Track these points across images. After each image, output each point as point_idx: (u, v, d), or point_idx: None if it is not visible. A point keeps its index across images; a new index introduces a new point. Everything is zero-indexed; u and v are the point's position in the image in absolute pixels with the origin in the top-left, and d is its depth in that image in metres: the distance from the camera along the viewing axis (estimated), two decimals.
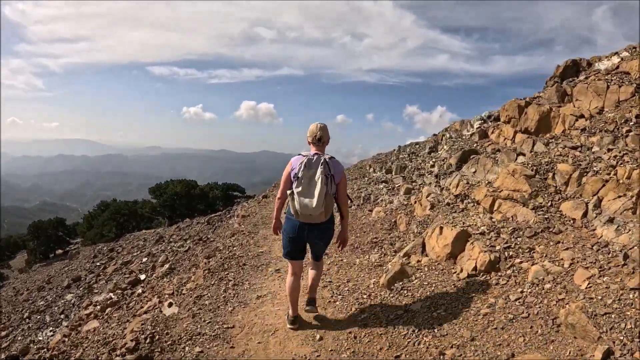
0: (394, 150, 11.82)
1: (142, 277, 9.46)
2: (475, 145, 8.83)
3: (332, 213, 3.36)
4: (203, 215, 29.36)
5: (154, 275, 9.05)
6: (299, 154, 3.39)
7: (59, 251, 33.37)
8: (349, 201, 3.90)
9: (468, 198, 5.96)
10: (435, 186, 7.01)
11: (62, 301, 12.55)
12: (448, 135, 9.66)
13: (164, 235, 14.53)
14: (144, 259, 11.45)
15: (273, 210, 3.68)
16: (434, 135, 11.18)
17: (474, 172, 6.90)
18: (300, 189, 3.20)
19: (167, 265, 8.98)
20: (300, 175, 3.22)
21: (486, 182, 6.17)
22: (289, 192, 3.28)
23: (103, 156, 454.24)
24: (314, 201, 3.15)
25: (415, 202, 6.49)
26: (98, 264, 16.83)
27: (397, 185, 7.51)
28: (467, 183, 6.38)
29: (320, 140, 3.39)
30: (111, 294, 9.19)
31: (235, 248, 5.77)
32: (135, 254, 13.65)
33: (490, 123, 10.16)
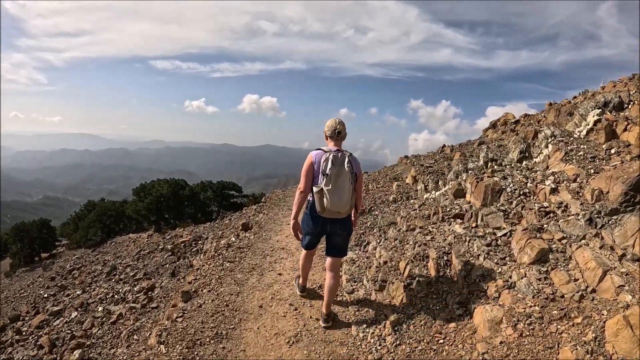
0: (445, 151, 7.88)
1: None
2: (613, 151, 5.00)
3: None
4: (192, 222, 25.78)
5: None
6: (319, 149, 3.32)
7: (45, 254, 30.61)
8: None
9: None
10: (600, 246, 3.16)
11: None
12: (549, 133, 5.75)
13: (117, 266, 10.78)
14: (73, 314, 7.77)
15: (293, 207, 3.40)
16: (511, 131, 7.26)
17: None
18: (330, 186, 3.14)
19: (78, 353, 5.31)
20: (328, 172, 3.14)
21: None
22: (316, 189, 3.18)
23: (106, 150, 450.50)
24: (344, 199, 3.16)
25: (582, 297, 2.64)
26: (46, 295, 13.31)
27: (499, 234, 3.68)
28: None
29: (340, 134, 3.34)
30: None
31: None
32: (78, 293, 9.94)
33: (609, 113, 6.30)
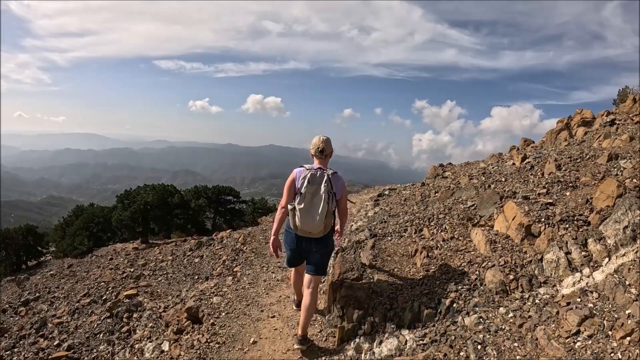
0: (545, 169, 4.86)
1: None
2: None
3: (331, 227, 3.29)
4: (183, 232, 23.01)
5: None
6: (302, 166, 3.32)
7: (33, 262, 28.50)
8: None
9: None
10: None
11: None
12: None
13: (48, 321, 7.89)
14: None
15: (274, 222, 3.42)
16: None
17: None
18: (302, 205, 3.11)
19: None
20: (303, 191, 3.12)
21: None
22: (290, 207, 3.21)
23: (110, 150, 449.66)
24: (316, 220, 3.08)
25: None
26: None
27: None
28: None
29: (323, 152, 3.32)
30: None
31: None
32: (19, 348, 7.06)
33: None
